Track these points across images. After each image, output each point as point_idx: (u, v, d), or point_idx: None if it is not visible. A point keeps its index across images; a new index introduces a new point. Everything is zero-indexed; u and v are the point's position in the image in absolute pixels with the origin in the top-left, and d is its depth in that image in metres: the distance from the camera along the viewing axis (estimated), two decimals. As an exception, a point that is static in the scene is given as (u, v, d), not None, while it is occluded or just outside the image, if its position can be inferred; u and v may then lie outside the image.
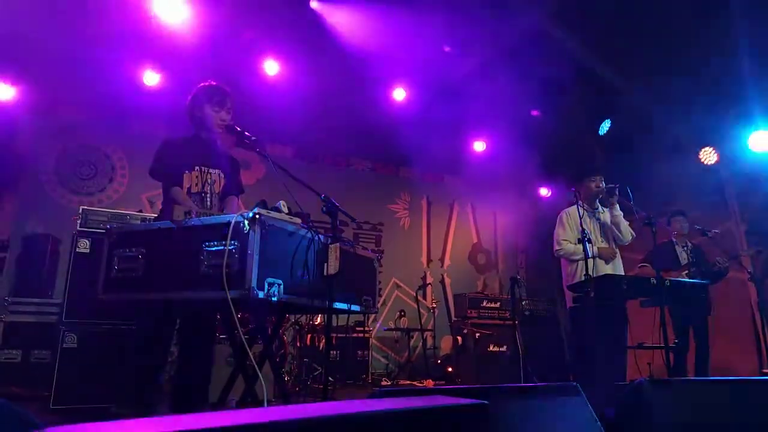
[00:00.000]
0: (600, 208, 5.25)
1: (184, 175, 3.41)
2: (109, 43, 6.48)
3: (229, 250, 2.54)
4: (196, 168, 3.47)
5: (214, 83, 3.61)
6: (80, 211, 4.83)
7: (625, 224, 5.13)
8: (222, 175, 3.59)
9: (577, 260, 4.93)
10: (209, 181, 3.50)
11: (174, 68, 7.11)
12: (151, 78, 7.21)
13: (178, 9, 6.23)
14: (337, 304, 3.10)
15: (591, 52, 7.32)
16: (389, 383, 7.71)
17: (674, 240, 6.48)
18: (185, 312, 3.25)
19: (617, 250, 5.15)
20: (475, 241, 10.92)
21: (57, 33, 6.17)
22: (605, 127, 8.38)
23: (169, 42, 6.51)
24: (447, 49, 7.36)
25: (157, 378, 3.20)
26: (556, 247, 5.17)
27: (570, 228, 5.11)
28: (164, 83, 7.29)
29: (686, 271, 6.12)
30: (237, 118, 3.59)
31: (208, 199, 3.48)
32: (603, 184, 5.16)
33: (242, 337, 3.16)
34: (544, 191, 10.49)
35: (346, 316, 3.96)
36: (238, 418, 1.01)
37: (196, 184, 3.44)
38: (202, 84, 3.58)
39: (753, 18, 6.07)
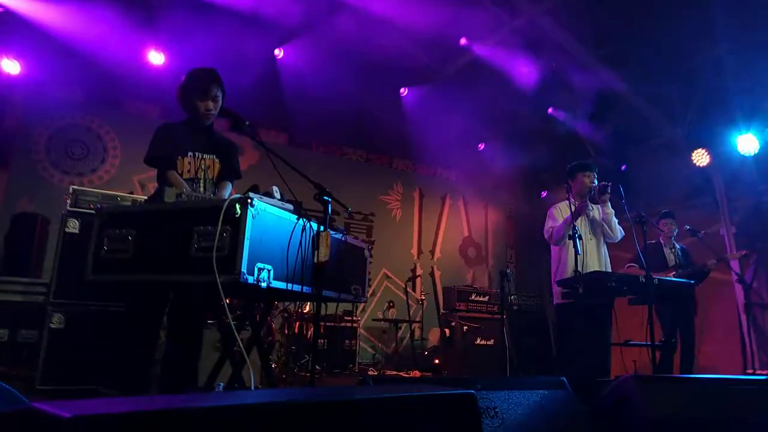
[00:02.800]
0: (590, 205, 5.26)
1: (178, 160, 3.38)
2: (111, 21, 6.45)
3: (220, 233, 2.52)
4: (190, 154, 3.43)
5: (200, 69, 3.54)
6: (71, 190, 4.80)
7: (615, 222, 5.15)
8: (217, 161, 3.55)
9: (564, 240, 4.93)
10: (203, 166, 3.47)
11: (176, 49, 7.08)
12: (155, 58, 7.21)
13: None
14: (326, 292, 3.09)
15: (586, 50, 7.34)
16: (376, 373, 7.72)
17: (662, 241, 6.52)
18: (175, 294, 3.23)
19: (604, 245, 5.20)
20: (466, 234, 10.93)
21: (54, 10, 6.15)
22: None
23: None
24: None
25: (145, 360, 3.19)
26: (547, 236, 5.20)
27: (560, 219, 5.13)
28: (158, 64, 7.26)
29: (673, 272, 6.17)
30: (231, 101, 3.54)
31: (202, 185, 3.44)
32: (596, 181, 5.18)
33: (231, 322, 3.15)
34: (536, 186, 10.49)
35: (334, 304, 3.97)
36: (228, 400, 1.01)
37: (189, 170, 3.41)
38: (190, 70, 3.52)
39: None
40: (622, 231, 5.21)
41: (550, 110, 8.83)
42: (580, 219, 5.10)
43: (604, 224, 5.15)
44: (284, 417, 1.08)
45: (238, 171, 3.73)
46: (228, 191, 3.60)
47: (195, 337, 3.45)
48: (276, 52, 7.64)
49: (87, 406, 0.99)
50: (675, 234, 6.54)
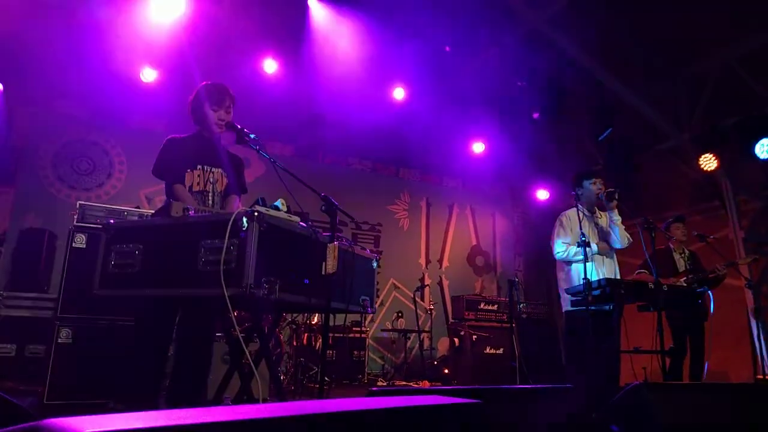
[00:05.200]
0: (597, 212, 5.23)
1: (186, 173, 3.41)
2: (107, 38, 6.51)
3: (227, 247, 2.53)
4: (199, 167, 3.46)
5: (214, 82, 3.60)
6: (77, 206, 4.82)
7: (622, 229, 5.11)
8: (224, 174, 3.58)
9: (576, 261, 4.90)
10: (211, 179, 3.50)
11: (172, 65, 7.11)
12: (148, 75, 7.24)
13: (175, 5, 6.29)
14: (334, 303, 3.08)
15: (592, 55, 7.33)
16: (385, 384, 7.70)
17: (672, 246, 6.47)
18: (185, 308, 3.24)
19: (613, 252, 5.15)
20: (474, 243, 10.91)
21: (54, 28, 6.20)
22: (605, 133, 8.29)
23: (166, 39, 6.56)
24: (447, 49, 7.38)
25: (154, 373, 3.19)
26: (556, 250, 5.13)
27: (570, 231, 5.09)
28: (162, 80, 7.31)
29: (684, 278, 6.12)
30: (237, 116, 3.58)
31: (210, 198, 3.47)
32: (603, 188, 5.15)
33: (239, 335, 3.15)
34: (542, 194, 10.44)
35: (342, 315, 3.96)
36: (236, 414, 1.00)
37: (198, 183, 3.44)
38: (203, 83, 3.58)
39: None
40: (629, 238, 5.16)
41: (535, 115, 8.75)
42: (588, 226, 5.07)
43: (611, 231, 5.11)
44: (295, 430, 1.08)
45: (245, 185, 3.78)
46: (236, 205, 3.61)
47: (204, 351, 3.45)
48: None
49: (102, 422, 0.99)
50: (685, 238, 6.48)
